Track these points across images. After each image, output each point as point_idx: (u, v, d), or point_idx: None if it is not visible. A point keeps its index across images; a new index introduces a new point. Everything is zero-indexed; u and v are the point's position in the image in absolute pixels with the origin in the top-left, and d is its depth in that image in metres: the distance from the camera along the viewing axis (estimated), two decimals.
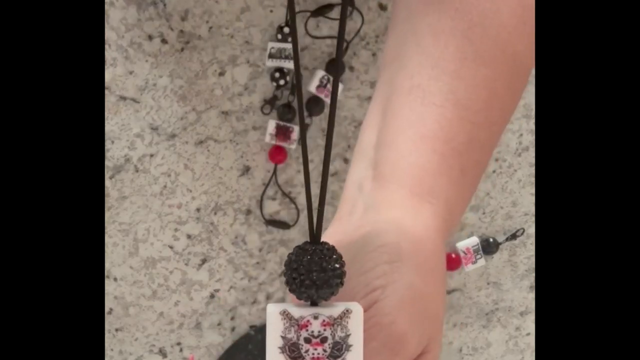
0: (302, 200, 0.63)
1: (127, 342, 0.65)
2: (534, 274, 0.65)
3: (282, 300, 0.65)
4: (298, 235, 0.63)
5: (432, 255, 0.32)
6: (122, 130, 0.61)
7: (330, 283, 0.27)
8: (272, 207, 0.63)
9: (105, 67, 0.60)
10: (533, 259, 0.65)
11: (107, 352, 0.66)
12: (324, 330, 0.28)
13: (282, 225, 0.63)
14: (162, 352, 0.66)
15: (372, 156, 0.36)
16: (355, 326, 0.28)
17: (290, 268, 0.28)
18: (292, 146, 0.60)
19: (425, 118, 0.35)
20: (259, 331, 0.65)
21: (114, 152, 0.61)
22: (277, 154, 0.60)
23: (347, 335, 0.28)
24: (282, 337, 0.28)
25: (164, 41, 0.59)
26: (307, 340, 0.28)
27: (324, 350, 0.28)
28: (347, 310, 0.28)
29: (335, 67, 0.30)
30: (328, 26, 0.59)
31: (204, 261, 0.64)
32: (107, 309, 0.65)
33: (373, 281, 0.30)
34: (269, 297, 0.65)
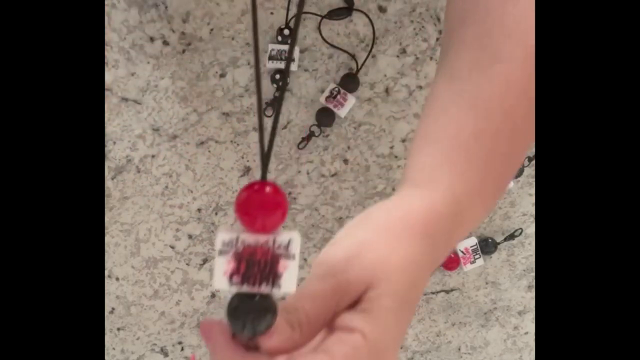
0: (302, 200, 0.63)
1: (129, 341, 0.66)
2: (532, 274, 0.66)
3: (282, 299, 0.65)
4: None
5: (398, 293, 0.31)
6: (124, 132, 0.61)
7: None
8: None
9: (107, 68, 0.60)
10: (531, 259, 0.66)
11: (109, 351, 0.66)
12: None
13: None
14: (163, 351, 0.66)
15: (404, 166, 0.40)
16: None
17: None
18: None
19: (433, 122, 0.37)
20: None
21: (115, 153, 0.62)
22: None
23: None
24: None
25: (165, 43, 0.60)
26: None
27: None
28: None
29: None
30: (335, 32, 0.60)
31: (205, 261, 0.64)
32: (109, 309, 0.65)
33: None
34: None
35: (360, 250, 0.31)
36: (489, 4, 0.36)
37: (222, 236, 0.29)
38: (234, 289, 0.29)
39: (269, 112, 0.61)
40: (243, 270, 0.28)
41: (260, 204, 0.28)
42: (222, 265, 0.28)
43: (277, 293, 0.29)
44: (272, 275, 0.29)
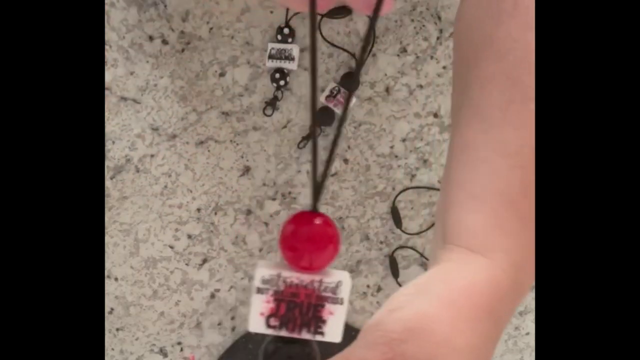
0: (302, 200, 0.63)
1: (128, 342, 0.66)
2: None
3: None
4: None
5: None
6: (123, 131, 0.61)
7: None
8: (272, 207, 0.63)
9: (106, 67, 0.60)
10: None
11: (108, 351, 0.66)
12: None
13: None
14: (162, 352, 0.66)
15: (442, 219, 0.36)
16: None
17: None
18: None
19: (474, 176, 0.34)
20: None
21: (114, 153, 0.61)
22: None
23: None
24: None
25: (164, 42, 0.59)
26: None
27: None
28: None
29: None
30: (335, 31, 0.59)
31: (204, 261, 0.64)
32: (108, 309, 0.65)
33: None
34: None
35: (421, 324, 0.28)
36: (509, 35, 0.34)
37: (262, 272, 0.25)
38: (271, 333, 0.26)
39: (269, 111, 0.61)
40: (283, 313, 0.25)
41: (309, 239, 0.25)
42: (259, 305, 0.25)
43: (320, 340, 0.26)
44: (315, 320, 0.25)
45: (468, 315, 0.29)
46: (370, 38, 0.25)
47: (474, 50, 0.36)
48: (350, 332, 0.65)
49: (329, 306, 0.25)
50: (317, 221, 0.25)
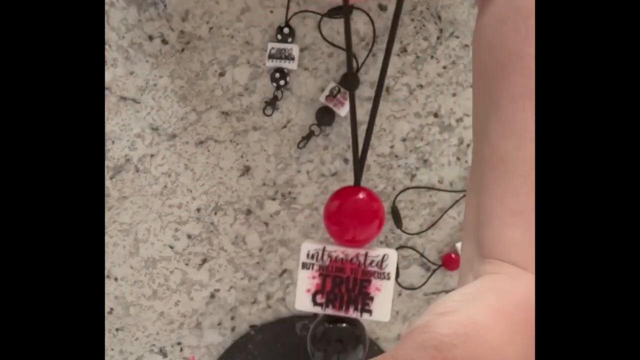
0: (302, 200, 0.63)
1: (128, 342, 0.66)
2: None
3: (281, 300, 0.65)
4: (299, 235, 0.63)
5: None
6: (123, 131, 0.61)
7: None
8: (272, 207, 0.63)
9: (106, 67, 0.60)
10: None
11: (108, 351, 0.66)
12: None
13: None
14: (162, 352, 0.66)
15: (476, 235, 0.36)
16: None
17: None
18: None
19: (513, 192, 0.34)
20: (259, 331, 0.65)
21: (114, 153, 0.61)
22: None
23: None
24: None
25: (164, 42, 0.59)
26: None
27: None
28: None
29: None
30: (335, 31, 0.59)
31: (204, 261, 0.64)
32: (107, 309, 0.65)
33: None
34: (269, 297, 0.65)
35: (474, 331, 0.28)
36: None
37: (307, 247, 0.25)
38: (318, 311, 0.25)
39: (269, 111, 0.61)
40: (328, 289, 0.25)
41: (354, 213, 0.25)
42: (305, 281, 0.25)
43: (366, 320, 0.25)
44: (362, 297, 0.25)
45: (521, 329, 0.30)
46: (396, 25, 0.25)
47: (501, 65, 0.36)
48: None
49: (375, 282, 0.25)
50: (362, 195, 0.25)
